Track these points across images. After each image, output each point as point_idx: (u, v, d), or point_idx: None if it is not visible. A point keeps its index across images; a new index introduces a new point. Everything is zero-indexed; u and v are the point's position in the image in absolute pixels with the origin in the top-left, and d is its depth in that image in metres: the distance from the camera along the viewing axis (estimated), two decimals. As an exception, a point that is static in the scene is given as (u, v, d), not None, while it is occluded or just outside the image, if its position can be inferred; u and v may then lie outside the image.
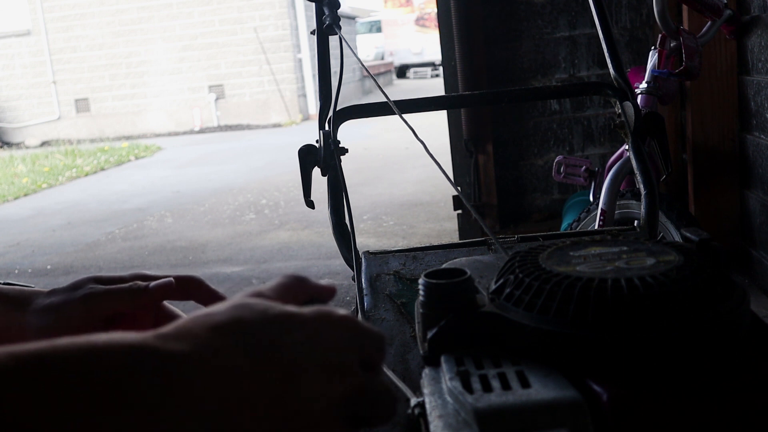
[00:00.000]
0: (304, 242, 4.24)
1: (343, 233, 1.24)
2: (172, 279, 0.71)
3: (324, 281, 0.53)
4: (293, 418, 0.40)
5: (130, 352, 0.37)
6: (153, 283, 0.70)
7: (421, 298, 0.64)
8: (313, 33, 1.51)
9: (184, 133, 11.87)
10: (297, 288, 0.50)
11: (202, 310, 0.44)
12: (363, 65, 1.43)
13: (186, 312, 0.62)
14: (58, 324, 0.68)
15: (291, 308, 0.44)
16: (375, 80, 1.25)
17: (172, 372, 0.38)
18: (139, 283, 0.71)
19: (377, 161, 6.94)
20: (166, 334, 0.40)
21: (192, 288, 0.72)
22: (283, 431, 0.40)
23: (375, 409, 0.44)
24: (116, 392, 0.36)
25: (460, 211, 3.65)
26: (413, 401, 0.60)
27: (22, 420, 0.33)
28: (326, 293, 0.53)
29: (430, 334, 0.62)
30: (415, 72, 20.73)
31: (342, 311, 0.45)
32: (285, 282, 0.49)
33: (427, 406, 0.58)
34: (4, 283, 0.73)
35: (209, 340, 0.40)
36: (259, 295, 0.47)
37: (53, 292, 0.70)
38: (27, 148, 11.64)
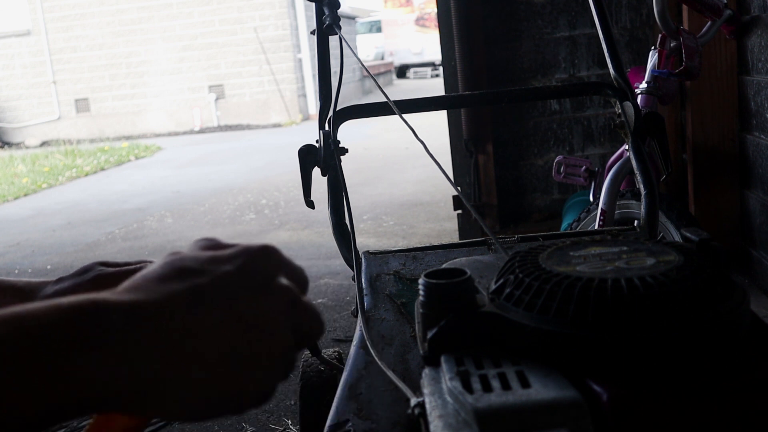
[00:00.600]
0: (304, 242, 4.24)
1: (343, 233, 1.24)
2: None
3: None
4: (246, 335, 0.46)
5: (89, 307, 0.42)
6: None
7: (421, 298, 0.64)
8: (313, 33, 1.51)
9: (184, 133, 11.87)
10: (210, 246, 0.55)
11: (138, 273, 0.49)
12: (363, 65, 1.43)
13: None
14: None
15: (216, 251, 0.50)
16: (375, 80, 1.25)
17: (129, 318, 0.43)
18: (147, 260, 0.72)
19: (377, 161, 6.94)
20: (117, 290, 0.45)
21: None
22: (242, 348, 0.46)
23: (310, 321, 0.51)
24: (81, 341, 0.40)
25: (460, 211, 3.65)
26: (413, 401, 0.60)
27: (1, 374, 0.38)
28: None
29: (430, 334, 0.62)
30: (415, 72, 20.73)
31: (260, 243, 0.51)
32: (200, 242, 0.55)
33: (427, 406, 0.58)
34: None
35: (155, 288, 0.45)
36: (178, 252, 0.53)
37: (61, 280, 0.71)
38: (27, 148, 11.64)
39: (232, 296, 0.47)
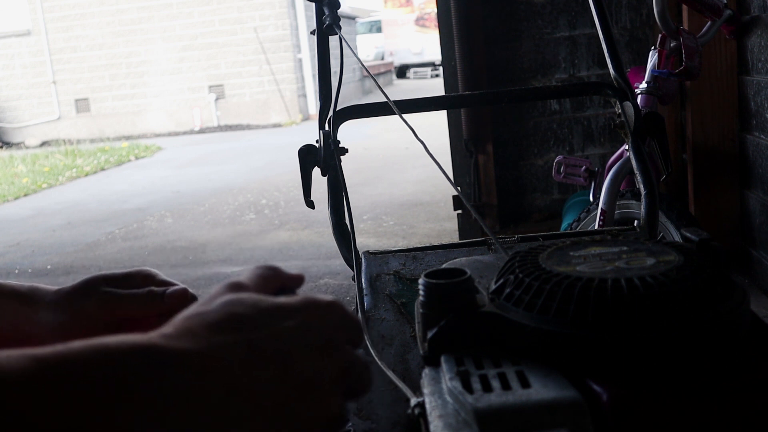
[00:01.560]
0: (304, 242, 4.24)
1: (343, 233, 1.24)
2: (185, 288, 0.72)
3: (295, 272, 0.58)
4: (297, 397, 0.44)
5: (139, 352, 0.40)
6: (168, 291, 0.71)
7: (421, 298, 0.64)
8: (313, 33, 1.51)
9: (184, 133, 11.87)
10: (271, 277, 0.53)
11: (193, 308, 0.46)
12: (363, 65, 1.43)
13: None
14: (73, 322, 0.69)
15: (279, 299, 0.47)
16: (375, 80, 1.25)
17: (178, 368, 0.40)
18: (155, 289, 0.71)
19: (377, 161, 6.94)
20: (168, 333, 0.42)
21: None
22: (290, 410, 0.43)
23: (361, 380, 0.49)
24: (128, 390, 0.38)
25: (460, 211, 3.65)
26: (413, 401, 0.60)
27: (43, 420, 0.35)
28: (295, 282, 0.57)
29: (430, 334, 0.62)
30: (415, 72, 20.72)
31: (326, 297, 0.49)
32: (261, 272, 0.53)
33: (427, 406, 0.58)
34: None
35: (209, 336, 0.43)
36: (239, 286, 0.50)
37: (62, 291, 0.71)
38: (27, 148, 11.64)
39: (288, 354, 0.44)
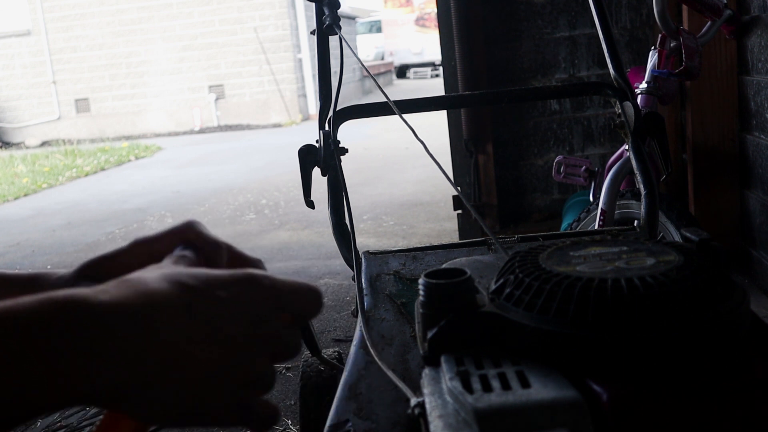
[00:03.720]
0: (304, 242, 4.24)
1: (343, 233, 1.24)
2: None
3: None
4: (225, 355, 0.48)
5: (80, 304, 0.43)
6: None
7: (421, 298, 0.64)
8: (313, 33, 1.51)
9: (184, 133, 11.87)
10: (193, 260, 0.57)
11: (136, 273, 0.50)
12: (363, 65, 1.43)
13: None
14: None
15: (214, 271, 0.51)
16: (375, 80, 1.25)
17: (111, 315, 0.44)
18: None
19: (377, 161, 6.94)
20: (107, 286, 0.46)
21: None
22: (221, 366, 0.48)
23: (287, 347, 0.53)
24: (55, 334, 0.42)
25: (460, 211, 3.65)
26: (413, 401, 0.60)
27: None
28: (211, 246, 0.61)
29: (430, 334, 0.62)
30: (415, 72, 20.72)
31: (257, 272, 0.52)
32: (181, 258, 0.56)
33: (427, 406, 0.58)
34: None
35: (151, 291, 0.47)
36: (183, 258, 0.55)
37: (64, 276, 0.70)
38: (27, 148, 11.64)
39: (219, 318, 0.48)
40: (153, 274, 0.49)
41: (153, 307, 0.46)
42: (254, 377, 0.50)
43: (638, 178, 1.28)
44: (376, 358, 0.78)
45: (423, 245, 1.15)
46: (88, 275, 0.69)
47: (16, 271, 0.71)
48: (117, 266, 0.68)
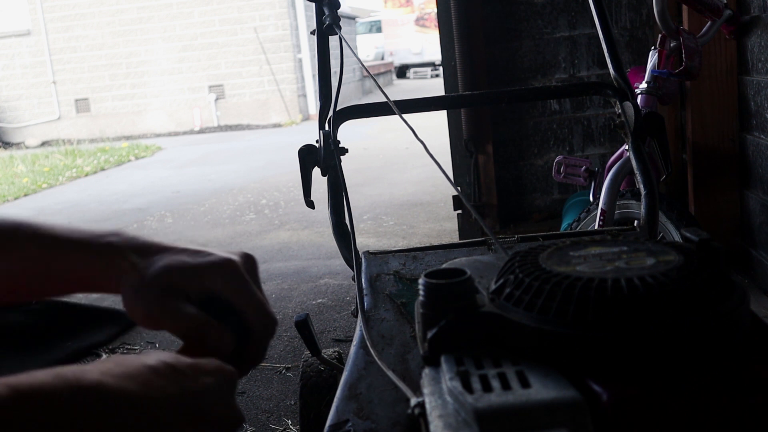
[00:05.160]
0: (304, 242, 4.24)
1: (343, 233, 1.24)
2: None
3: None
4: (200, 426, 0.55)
5: (94, 390, 0.48)
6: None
7: (421, 298, 0.64)
8: (313, 33, 1.51)
9: (184, 133, 11.87)
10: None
11: (132, 356, 0.55)
12: (363, 65, 1.43)
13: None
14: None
15: (197, 361, 0.57)
16: (375, 80, 1.25)
17: (125, 407, 0.49)
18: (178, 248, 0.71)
19: (377, 161, 6.94)
20: (116, 372, 0.51)
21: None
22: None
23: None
24: (81, 417, 0.46)
25: (460, 211, 3.65)
26: (413, 401, 0.60)
27: None
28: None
29: (430, 334, 0.62)
30: (415, 72, 20.72)
31: (227, 367, 0.59)
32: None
33: (427, 406, 0.58)
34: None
35: (149, 382, 0.52)
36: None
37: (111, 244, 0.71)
38: (27, 148, 11.63)
39: (201, 399, 0.55)
40: (152, 357, 0.54)
41: (150, 394, 0.51)
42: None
43: (638, 178, 1.28)
44: (376, 358, 0.78)
45: (423, 245, 1.15)
46: (166, 283, 0.65)
47: (45, 224, 0.69)
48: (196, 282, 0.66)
